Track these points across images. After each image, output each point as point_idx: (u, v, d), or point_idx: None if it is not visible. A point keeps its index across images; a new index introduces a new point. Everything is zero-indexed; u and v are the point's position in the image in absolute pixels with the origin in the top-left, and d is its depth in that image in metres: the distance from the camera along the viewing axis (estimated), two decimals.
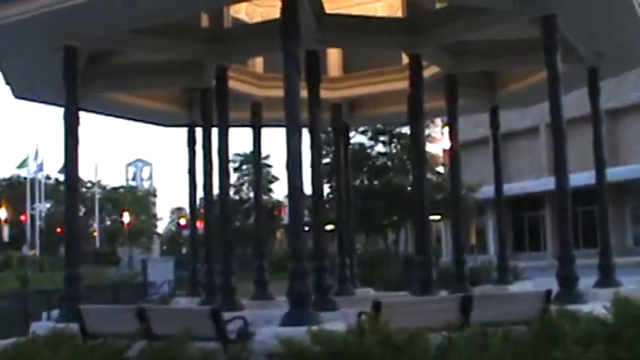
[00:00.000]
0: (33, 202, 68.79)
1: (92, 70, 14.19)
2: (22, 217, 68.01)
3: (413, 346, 7.59)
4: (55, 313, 12.09)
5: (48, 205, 75.35)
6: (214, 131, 14.73)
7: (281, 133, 10.55)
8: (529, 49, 13.51)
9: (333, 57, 17.59)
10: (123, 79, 15.25)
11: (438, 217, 41.73)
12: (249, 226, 42.93)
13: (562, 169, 12.06)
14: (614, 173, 31.51)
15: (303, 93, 12.30)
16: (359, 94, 17.92)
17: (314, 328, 8.31)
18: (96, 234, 78.90)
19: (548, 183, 28.55)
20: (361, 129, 37.87)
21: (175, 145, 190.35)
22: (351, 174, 19.65)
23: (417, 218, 14.65)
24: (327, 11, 13.54)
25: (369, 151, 40.15)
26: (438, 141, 42.15)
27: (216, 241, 14.58)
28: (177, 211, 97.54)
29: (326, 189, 28.36)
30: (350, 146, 21.26)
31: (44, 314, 12.99)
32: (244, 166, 60.51)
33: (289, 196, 10.48)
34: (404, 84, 14.93)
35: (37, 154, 69.19)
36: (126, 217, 78.67)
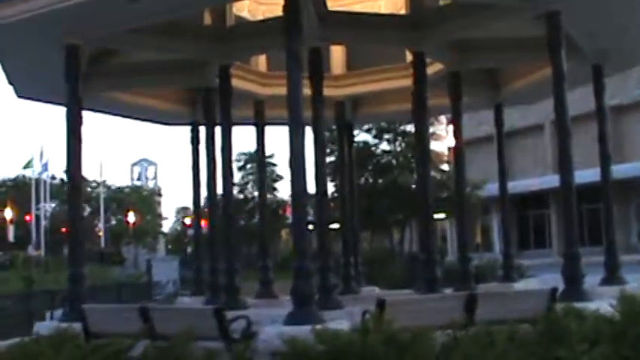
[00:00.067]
0: (38, 202, 68.85)
1: (95, 69, 14.15)
2: (28, 218, 67.98)
3: (417, 345, 7.54)
4: (59, 312, 12.09)
5: (53, 205, 75.41)
6: (217, 130, 14.71)
7: (285, 131, 10.51)
8: (533, 47, 13.42)
9: (337, 54, 17.54)
10: (125, 78, 15.22)
11: (443, 216, 41.68)
12: (254, 225, 42.91)
13: (567, 167, 11.99)
14: (619, 170, 31.48)
15: (307, 91, 12.27)
16: (363, 91, 17.86)
17: (318, 327, 8.27)
18: (101, 234, 78.94)
19: (553, 180, 28.52)
20: (366, 127, 37.84)
21: (180, 145, 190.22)
22: (355, 172, 19.60)
23: (421, 216, 14.62)
24: (330, 8, 13.49)
25: (373, 149, 40.12)
26: (443, 139, 42.12)
27: (221, 241, 14.57)
28: (183, 211, 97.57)
29: (330, 187, 28.38)
30: (354, 144, 21.22)
31: (48, 314, 13.00)
32: (249, 165, 60.52)
33: (292, 194, 10.45)
34: (408, 81, 14.90)
35: (42, 154, 69.28)
36: (131, 217, 78.68)
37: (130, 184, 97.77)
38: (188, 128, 17.79)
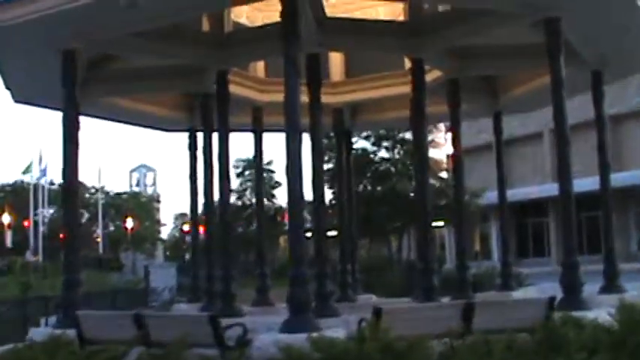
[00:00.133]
0: (36, 207, 68.83)
1: (93, 74, 14.12)
2: (26, 223, 67.96)
3: (414, 354, 7.49)
4: (54, 319, 12.01)
5: (51, 211, 75.37)
6: (215, 136, 14.66)
7: (283, 138, 10.46)
8: (532, 54, 13.40)
9: (335, 61, 17.51)
10: (123, 83, 15.18)
11: (441, 223, 41.59)
12: (252, 231, 42.82)
13: (566, 175, 11.95)
14: (618, 179, 31.40)
15: (305, 97, 12.22)
16: (361, 98, 17.83)
17: (314, 335, 8.21)
18: (99, 240, 78.94)
19: (552, 189, 28.43)
20: (364, 134, 37.81)
21: (179, 151, 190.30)
22: (353, 179, 19.56)
23: (419, 224, 14.56)
24: (328, 15, 13.45)
25: (372, 156, 40.04)
26: (442, 146, 42.08)
27: (218, 247, 14.50)
28: (181, 217, 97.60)
29: (329, 194, 28.29)
30: (353, 151, 21.17)
31: (42, 320, 12.92)
32: (247, 172, 60.41)
33: (289, 201, 10.38)
34: (406, 88, 14.86)
35: (40, 159, 69.29)
36: (129, 223, 78.70)
37: (128, 190, 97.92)
38: (187, 134, 17.75)
